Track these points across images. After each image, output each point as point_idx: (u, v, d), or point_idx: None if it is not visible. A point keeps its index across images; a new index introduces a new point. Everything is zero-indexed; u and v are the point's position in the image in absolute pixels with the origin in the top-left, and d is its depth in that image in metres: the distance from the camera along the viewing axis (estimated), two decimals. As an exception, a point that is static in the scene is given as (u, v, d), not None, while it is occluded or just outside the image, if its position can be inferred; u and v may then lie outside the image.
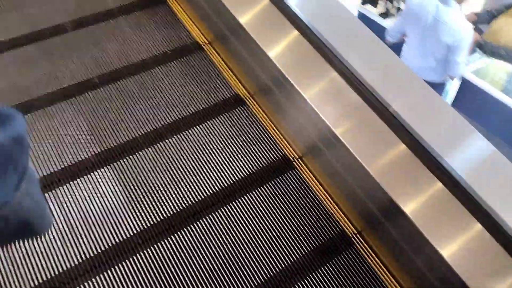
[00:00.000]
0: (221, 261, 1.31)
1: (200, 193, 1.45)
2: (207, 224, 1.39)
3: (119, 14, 1.90)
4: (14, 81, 1.63)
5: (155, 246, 1.33)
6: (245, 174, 1.51)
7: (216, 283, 1.28)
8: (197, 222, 1.39)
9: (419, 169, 1.19)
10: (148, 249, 1.32)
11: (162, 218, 1.38)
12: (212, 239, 1.36)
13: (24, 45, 1.74)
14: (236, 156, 1.55)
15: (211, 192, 1.46)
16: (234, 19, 1.63)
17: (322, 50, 1.40)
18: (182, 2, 1.95)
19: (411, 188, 1.19)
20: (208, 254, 1.32)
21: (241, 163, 1.53)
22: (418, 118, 1.22)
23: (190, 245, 1.34)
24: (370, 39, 1.42)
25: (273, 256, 1.34)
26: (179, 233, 1.36)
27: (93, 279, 1.25)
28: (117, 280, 1.26)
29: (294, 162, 1.56)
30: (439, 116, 1.25)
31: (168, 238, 1.35)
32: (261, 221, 1.42)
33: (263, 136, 1.61)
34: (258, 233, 1.39)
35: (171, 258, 1.31)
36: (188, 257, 1.31)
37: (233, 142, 1.58)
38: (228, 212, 1.42)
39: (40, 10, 1.86)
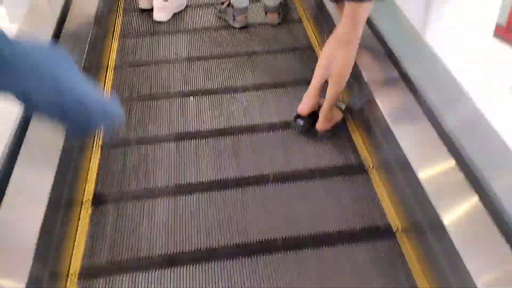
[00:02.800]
0: None
1: None
2: None
3: (318, 176, 1.93)
4: (200, 224, 1.75)
5: None
6: None
7: None
8: None
9: None
10: None
11: None
12: None
13: (218, 190, 1.88)
14: None
15: None
16: (435, 212, 1.46)
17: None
18: (384, 179, 1.88)
19: None
20: None
21: None
22: None
23: None
24: None
25: None
26: None
27: None
28: None
29: None
30: None
31: None
32: None
33: None
34: None
35: None
36: None
37: None
38: None
39: (248, 157, 2.02)
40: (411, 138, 1.75)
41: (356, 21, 1.82)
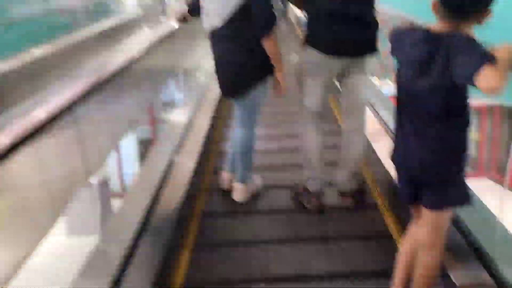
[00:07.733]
0: None
1: None
2: None
3: None
4: None
5: None
6: None
7: None
8: None
9: None
10: None
11: None
12: None
13: None
14: None
15: None
16: None
17: None
18: None
19: None
20: None
21: None
22: None
23: None
24: None
25: None
26: None
27: None
28: None
29: None
30: None
31: None
32: None
33: None
34: None
35: None
36: None
37: None
38: None
39: None
40: None
41: (440, 227, 1.71)
